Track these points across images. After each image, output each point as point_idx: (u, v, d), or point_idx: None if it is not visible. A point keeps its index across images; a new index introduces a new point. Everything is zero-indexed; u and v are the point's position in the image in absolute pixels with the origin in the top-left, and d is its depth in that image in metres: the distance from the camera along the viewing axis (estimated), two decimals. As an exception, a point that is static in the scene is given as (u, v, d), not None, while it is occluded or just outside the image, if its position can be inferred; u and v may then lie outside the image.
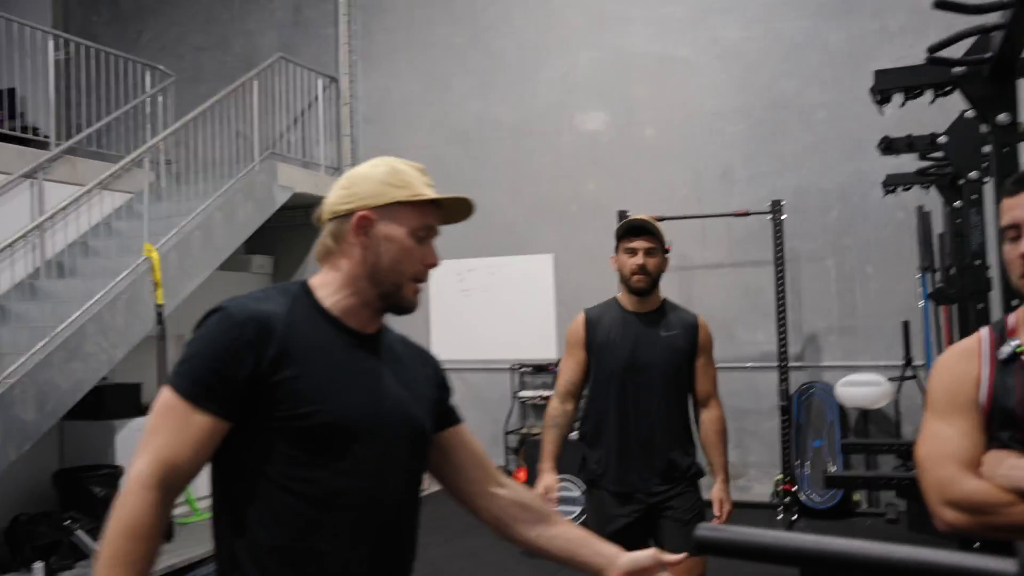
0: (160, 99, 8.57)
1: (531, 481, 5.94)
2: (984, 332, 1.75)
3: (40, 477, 6.41)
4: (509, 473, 7.56)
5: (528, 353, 8.18)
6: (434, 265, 1.67)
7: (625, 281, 3.23)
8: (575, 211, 8.19)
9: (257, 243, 9.07)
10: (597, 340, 3.28)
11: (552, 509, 1.87)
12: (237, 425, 1.51)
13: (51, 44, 7.61)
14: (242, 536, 1.52)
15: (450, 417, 1.81)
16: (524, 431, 7.81)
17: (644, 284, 3.19)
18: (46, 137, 7.62)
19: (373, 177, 1.64)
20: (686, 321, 3.29)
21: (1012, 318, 1.74)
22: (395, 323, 1.73)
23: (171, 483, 1.45)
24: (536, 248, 8.31)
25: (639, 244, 3.17)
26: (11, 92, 8.31)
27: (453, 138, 8.68)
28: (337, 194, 1.66)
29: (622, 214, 7.23)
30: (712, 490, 3.24)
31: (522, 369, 8.07)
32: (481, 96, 8.60)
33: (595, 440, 3.29)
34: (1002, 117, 2.66)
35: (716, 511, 3.19)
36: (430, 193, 1.65)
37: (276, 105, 8.99)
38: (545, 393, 7.85)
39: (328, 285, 1.64)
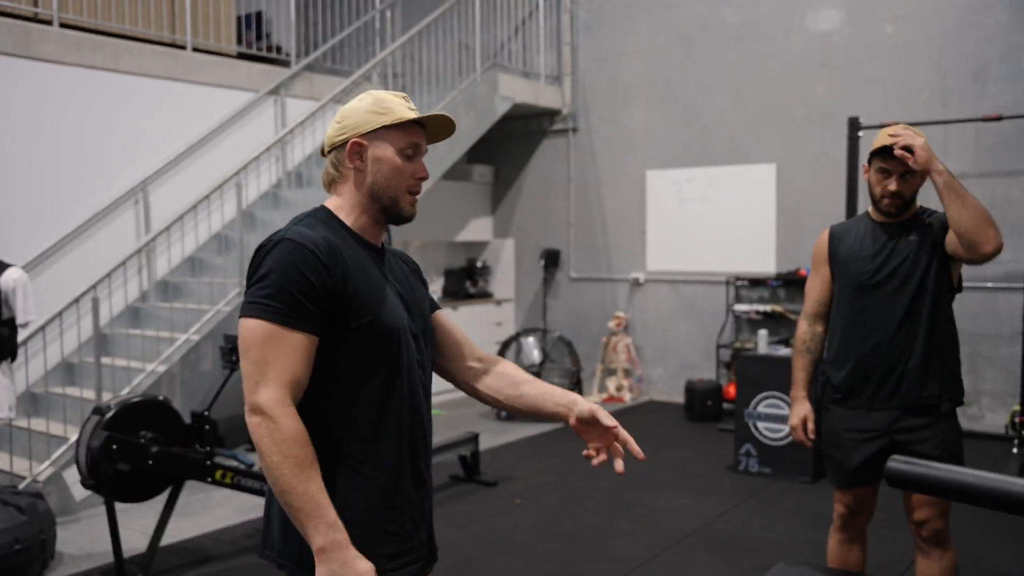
0: (388, 14, 8.89)
1: (741, 399, 5.85)
2: None
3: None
4: (720, 388, 7.47)
5: (745, 266, 7.94)
6: (424, 178, 1.86)
7: (875, 202, 3.02)
8: (801, 118, 7.73)
9: (478, 153, 9.33)
10: (840, 253, 3.11)
11: (524, 375, 2.04)
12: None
13: (289, -35, 8.05)
14: (323, 436, 1.72)
15: (432, 306, 2.02)
16: (737, 345, 7.65)
17: (895, 209, 2.97)
18: (287, 55, 8.15)
19: (360, 109, 1.82)
20: (944, 225, 2.92)
21: None
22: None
23: (297, 400, 1.68)
24: (758, 157, 7.95)
25: (895, 167, 2.92)
26: (259, 15, 8.92)
27: (674, 43, 8.39)
28: (333, 128, 1.85)
29: (853, 121, 6.75)
30: None
31: (738, 282, 7.86)
32: (705, -4, 8.21)
33: (837, 358, 3.11)
34: None
35: None
36: (410, 115, 1.81)
37: (498, 15, 9.07)
38: (761, 308, 7.62)
39: (343, 208, 1.85)
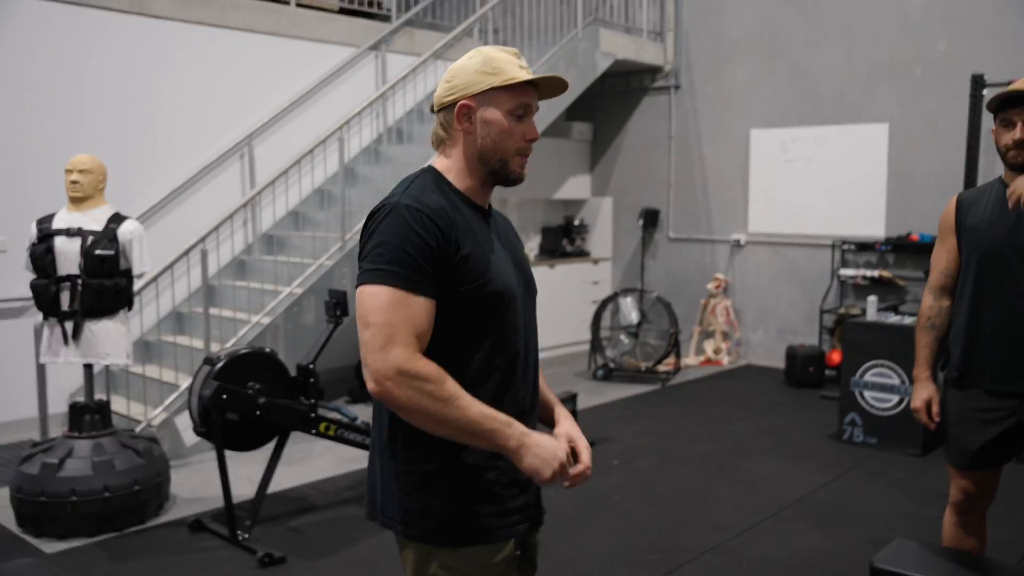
0: (489, -33, 8.77)
1: (847, 366, 5.67)
2: None
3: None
4: (822, 354, 7.26)
5: (852, 230, 7.65)
6: (534, 139, 1.82)
7: (1002, 157, 2.84)
8: (919, 75, 7.35)
9: (577, 110, 9.20)
10: (968, 222, 2.92)
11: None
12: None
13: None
14: None
15: None
16: (842, 311, 7.41)
17: (1023, 160, 2.78)
18: (388, 11, 8.14)
19: (469, 68, 1.78)
20: None
21: None
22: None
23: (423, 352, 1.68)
24: (870, 117, 7.62)
25: (1017, 115, 2.75)
26: (360, -32, 8.92)
27: (783, -4, 8.06)
28: (442, 87, 1.81)
29: (977, 78, 6.38)
30: None
31: (844, 246, 7.60)
32: (818, -53, 7.85)
33: (959, 333, 2.94)
34: None
35: None
36: (522, 75, 1.76)
37: (600, -32, 8.87)
38: (868, 273, 7.34)
39: (452, 170, 1.82)
